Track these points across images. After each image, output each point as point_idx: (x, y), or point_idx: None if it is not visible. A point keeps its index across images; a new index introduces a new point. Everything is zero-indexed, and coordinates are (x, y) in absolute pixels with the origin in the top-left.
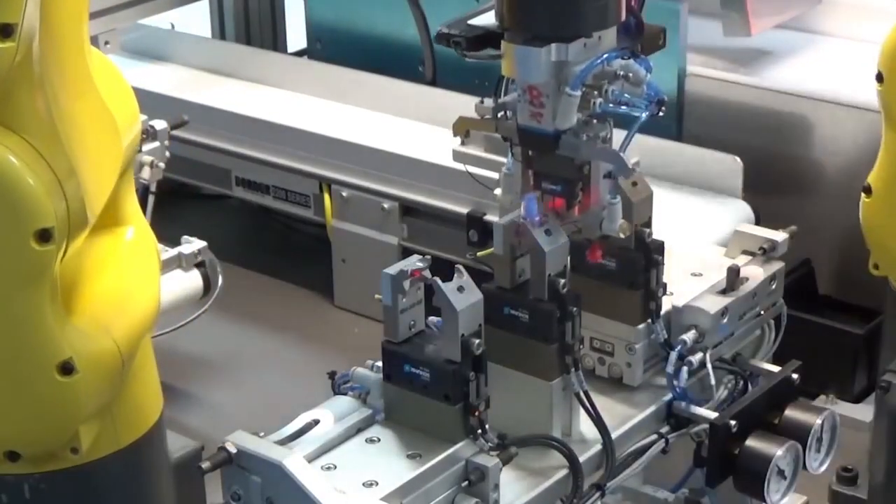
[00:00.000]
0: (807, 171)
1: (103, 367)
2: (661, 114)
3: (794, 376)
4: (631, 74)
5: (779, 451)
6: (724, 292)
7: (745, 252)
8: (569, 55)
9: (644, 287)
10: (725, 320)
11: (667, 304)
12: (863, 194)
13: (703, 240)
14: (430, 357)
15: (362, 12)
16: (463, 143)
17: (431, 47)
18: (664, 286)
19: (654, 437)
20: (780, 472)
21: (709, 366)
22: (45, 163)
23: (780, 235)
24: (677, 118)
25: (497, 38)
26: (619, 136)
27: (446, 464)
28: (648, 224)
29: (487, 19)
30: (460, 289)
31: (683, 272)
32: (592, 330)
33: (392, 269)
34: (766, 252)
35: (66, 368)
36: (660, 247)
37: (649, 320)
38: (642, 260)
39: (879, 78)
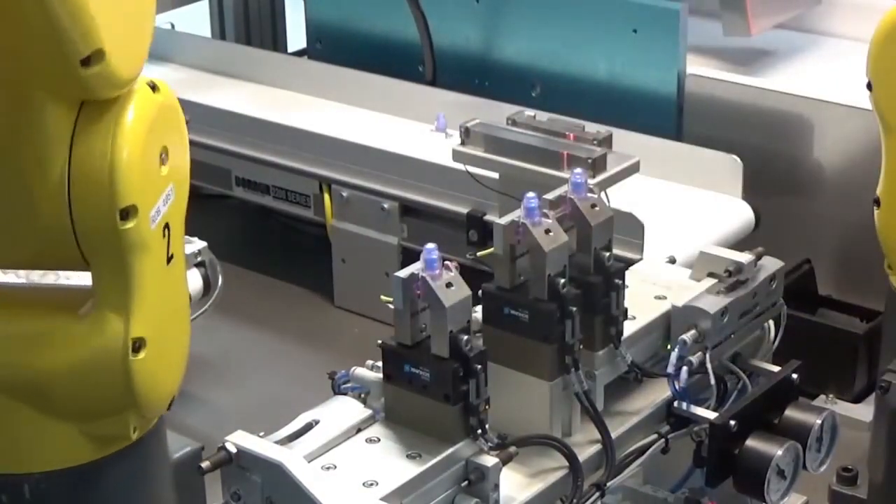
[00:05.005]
0: (807, 171)
1: None
2: None
3: (794, 376)
4: None
5: (779, 451)
6: (724, 292)
7: (710, 274)
8: None
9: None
10: (725, 320)
11: (666, 304)
12: (874, 207)
13: (703, 240)
14: (429, 357)
15: (362, 12)
16: (463, 143)
17: (431, 47)
18: (625, 311)
19: (654, 436)
20: (780, 472)
21: (708, 366)
22: None
23: (745, 257)
24: (677, 118)
25: None
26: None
27: (446, 464)
28: (608, 247)
29: None
30: (448, 285)
31: (647, 295)
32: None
33: (403, 273)
34: (731, 274)
35: None
36: (620, 271)
37: (611, 345)
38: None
39: (869, 87)
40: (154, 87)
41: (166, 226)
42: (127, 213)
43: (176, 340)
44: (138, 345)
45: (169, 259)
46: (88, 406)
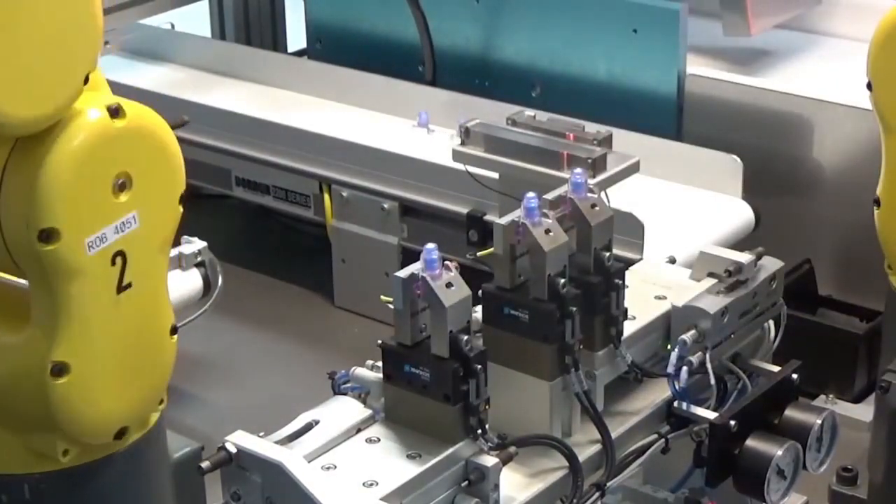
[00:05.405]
0: (807, 171)
1: None
2: None
3: (794, 376)
4: None
5: (779, 451)
6: (724, 292)
7: (710, 274)
8: None
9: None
10: (725, 320)
11: (666, 304)
12: (874, 207)
13: (703, 240)
14: (429, 357)
15: (362, 12)
16: (463, 143)
17: (431, 47)
18: (625, 311)
19: (654, 436)
20: (780, 472)
21: (709, 366)
22: None
23: (745, 257)
24: (677, 118)
25: None
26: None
27: (446, 464)
28: (608, 247)
29: None
30: (448, 285)
31: (647, 295)
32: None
33: (403, 273)
34: (731, 274)
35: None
36: (620, 271)
37: (611, 345)
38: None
39: (869, 87)
40: (117, 112)
41: (119, 254)
42: (48, 235)
43: (131, 371)
44: (59, 369)
45: (123, 288)
46: (16, 419)
